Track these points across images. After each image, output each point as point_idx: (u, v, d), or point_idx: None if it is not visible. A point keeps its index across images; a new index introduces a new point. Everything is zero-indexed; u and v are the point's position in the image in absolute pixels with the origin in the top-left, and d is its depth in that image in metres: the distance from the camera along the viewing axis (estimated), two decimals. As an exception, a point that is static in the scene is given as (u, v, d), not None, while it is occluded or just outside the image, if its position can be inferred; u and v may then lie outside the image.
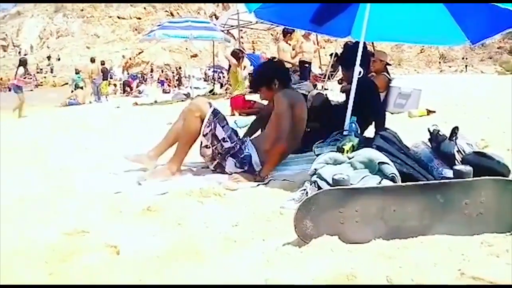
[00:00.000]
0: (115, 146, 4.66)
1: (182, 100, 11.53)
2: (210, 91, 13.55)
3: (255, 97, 6.55)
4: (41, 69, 38.60)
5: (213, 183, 2.64)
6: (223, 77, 19.62)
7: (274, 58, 7.90)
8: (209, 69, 28.37)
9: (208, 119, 2.75)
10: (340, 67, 5.84)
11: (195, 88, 15.34)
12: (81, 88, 15.55)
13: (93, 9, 46.05)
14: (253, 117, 4.25)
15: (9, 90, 18.36)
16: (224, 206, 2.24)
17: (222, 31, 12.64)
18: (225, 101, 8.50)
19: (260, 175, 2.71)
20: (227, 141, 2.77)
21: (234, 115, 6.94)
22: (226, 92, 11.54)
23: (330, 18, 4.11)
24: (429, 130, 2.29)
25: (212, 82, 17.54)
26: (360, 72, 2.95)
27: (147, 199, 2.35)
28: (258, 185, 2.60)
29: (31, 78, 14.92)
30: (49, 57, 39.96)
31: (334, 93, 7.49)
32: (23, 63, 11.76)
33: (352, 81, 2.96)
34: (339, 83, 9.40)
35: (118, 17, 43.41)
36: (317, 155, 2.30)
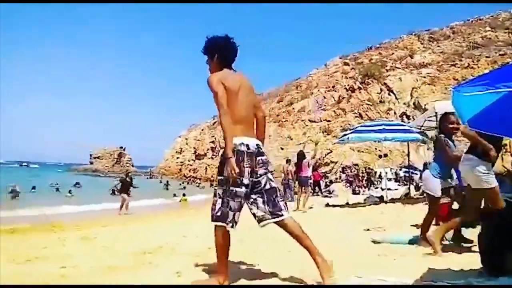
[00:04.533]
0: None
1: (375, 203, 11.13)
2: (406, 195, 12.80)
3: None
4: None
5: None
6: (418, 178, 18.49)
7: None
8: (400, 169, 27.36)
9: None
10: None
11: (388, 189, 14.74)
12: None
13: (288, 114, 50.78)
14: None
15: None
16: None
17: (419, 132, 12.16)
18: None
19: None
20: None
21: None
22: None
23: None
24: None
25: (404, 183, 16.67)
26: None
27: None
28: None
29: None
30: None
31: None
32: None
33: None
34: None
35: (310, 121, 46.67)
36: None
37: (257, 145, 2.98)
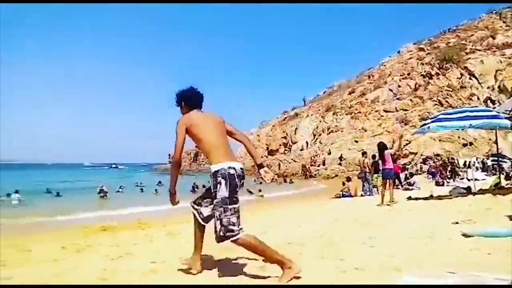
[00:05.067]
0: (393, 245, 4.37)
1: (462, 195, 10.42)
2: (495, 185, 11.86)
3: None
4: (315, 162, 42.88)
5: None
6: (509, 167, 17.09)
7: None
8: (487, 158, 25.44)
9: None
10: None
11: (475, 180, 13.73)
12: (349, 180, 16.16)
13: (360, 106, 49.38)
14: None
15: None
16: None
17: (508, 118, 11.17)
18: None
19: None
20: None
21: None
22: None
23: None
24: None
25: (493, 173, 15.46)
26: None
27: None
28: None
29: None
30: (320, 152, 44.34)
31: None
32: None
33: None
34: None
35: (385, 111, 45.01)
36: None
37: (241, 168, 3.40)
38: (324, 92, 72.34)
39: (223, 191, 3.25)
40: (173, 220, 9.67)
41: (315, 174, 40.18)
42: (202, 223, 3.64)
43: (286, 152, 54.72)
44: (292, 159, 48.39)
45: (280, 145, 57.88)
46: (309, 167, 42.39)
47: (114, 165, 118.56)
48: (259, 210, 11.73)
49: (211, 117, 3.63)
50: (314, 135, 52.29)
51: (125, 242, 6.27)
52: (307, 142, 51.85)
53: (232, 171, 3.28)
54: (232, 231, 3.22)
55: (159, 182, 30.43)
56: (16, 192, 19.60)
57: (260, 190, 21.43)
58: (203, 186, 23.97)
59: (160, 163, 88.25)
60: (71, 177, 49.83)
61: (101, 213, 13.90)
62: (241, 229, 3.26)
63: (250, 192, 23.33)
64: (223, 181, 3.24)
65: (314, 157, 44.47)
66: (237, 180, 3.31)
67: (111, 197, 21.13)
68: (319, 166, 41.83)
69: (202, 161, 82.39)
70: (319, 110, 57.78)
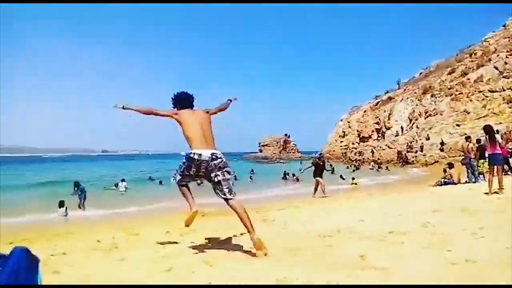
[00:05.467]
0: None
1: None
2: None
3: None
4: (411, 148, 40.74)
5: None
6: None
7: None
8: None
9: None
10: None
11: None
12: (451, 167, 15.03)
13: (461, 86, 45.65)
14: None
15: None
16: None
17: None
18: None
19: None
20: None
21: None
22: None
23: None
24: None
25: None
26: None
27: None
28: None
29: None
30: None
31: None
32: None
33: None
34: None
35: (489, 91, 41.13)
36: None
37: (211, 153, 4.36)
38: (420, 73, 68.00)
39: (181, 167, 4.55)
40: (267, 208, 9.83)
41: (412, 161, 38.19)
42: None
43: (379, 138, 52.70)
44: (386, 146, 46.49)
45: (372, 131, 55.84)
46: (405, 154, 40.41)
47: None
48: (353, 198, 11.45)
49: (197, 114, 4.68)
50: (410, 120, 49.54)
51: (224, 227, 6.50)
52: (402, 128, 49.36)
53: (196, 156, 4.32)
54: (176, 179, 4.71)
55: (252, 170, 31.18)
56: (123, 180, 21.30)
57: (353, 178, 20.93)
58: (293, 175, 24.10)
59: (250, 152, 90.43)
60: (170, 165, 53.35)
61: (197, 202, 14.42)
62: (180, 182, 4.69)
63: (342, 178, 22.86)
64: (186, 162, 4.43)
65: (410, 143, 42.23)
66: (196, 162, 4.34)
67: (206, 183, 22.01)
68: (416, 152, 39.64)
69: (292, 149, 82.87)
70: (415, 92, 54.52)
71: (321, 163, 14.26)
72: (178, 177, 4.64)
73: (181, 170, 4.54)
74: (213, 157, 4.34)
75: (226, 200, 4.38)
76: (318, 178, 13.84)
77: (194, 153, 4.32)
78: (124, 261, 4.21)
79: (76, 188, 14.62)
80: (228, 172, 4.48)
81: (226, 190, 4.36)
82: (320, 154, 16.17)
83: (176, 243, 5.27)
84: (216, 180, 4.35)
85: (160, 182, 23.59)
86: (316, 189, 13.87)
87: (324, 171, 14.56)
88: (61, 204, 12.11)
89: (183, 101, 4.77)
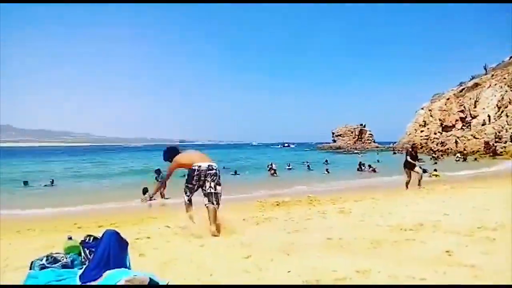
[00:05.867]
0: None
1: None
2: None
3: None
4: (500, 139, 37.67)
5: None
6: None
7: None
8: None
9: None
10: None
11: None
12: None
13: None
14: None
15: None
16: None
17: None
18: None
19: None
20: None
21: None
22: None
23: None
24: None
25: None
26: None
27: None
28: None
29: None
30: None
31: None
32: None
33: None
34: None
35: None
36: None
37: (208, 165, 5.45)
38: (510, 58, 62.41)
39: (187, 180, 5.51)
40: (343, 199, 9.64)
41: (501, 152, 35.31)
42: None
43: (464, 127, 49.35)
44: (471, 135, 43.44)
45: (456, 120, 52.36)
46: (493, 144, 37.46)
47: (286, 144, 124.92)
48: (435, 191, 10.83)
49: (188, 151, 5.90)
50: (499, 108, 45.71)
51: (299, 217, 6.47)
52: (489, 116, 45.75)
53: (197, 167, 5.40)
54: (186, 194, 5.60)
55: (326, 160, 30.77)
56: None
57: (435, 170, 19.79)
58: (369, 166, 23.33)
59: (323, 142, 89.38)
60: (240, 155, 55.27)
61: (271, 191, 14.40)
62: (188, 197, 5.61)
63: (423, 169, 21.74)
64: (190, 174, 5.43)
65: (499, 133, 39.04)
66: (196, 172, 5.37)
67: (280, 174, 22.09)
68: (505, 143, 36.60)
69: (367, 140, 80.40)
70: (504, 78, 50.11)
71: (414, 153, 13.39)
72: (188, 193, 5.56)
73: (187, 182, 5.47)
74: (209, 168, 5.43)
75: (209, 205, 5.36)
76: (416, 169, 12.91)
77: (195, 165, 5.40)
78: (204, 247, 4.34)
79: (157, 176, 15.37)
80: (219, 184, 5.46)
81: (214, 202, 5.33)
82: (413, 145, 15.56)
83: (252, 230, 5.34)
84: (209, 191, 5.35)
85: (235, 172, 24.06)
86: (408, 183, 12.78)
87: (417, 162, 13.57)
88: (145, 191, 12.81)
89: (173, 152, 5.76)
